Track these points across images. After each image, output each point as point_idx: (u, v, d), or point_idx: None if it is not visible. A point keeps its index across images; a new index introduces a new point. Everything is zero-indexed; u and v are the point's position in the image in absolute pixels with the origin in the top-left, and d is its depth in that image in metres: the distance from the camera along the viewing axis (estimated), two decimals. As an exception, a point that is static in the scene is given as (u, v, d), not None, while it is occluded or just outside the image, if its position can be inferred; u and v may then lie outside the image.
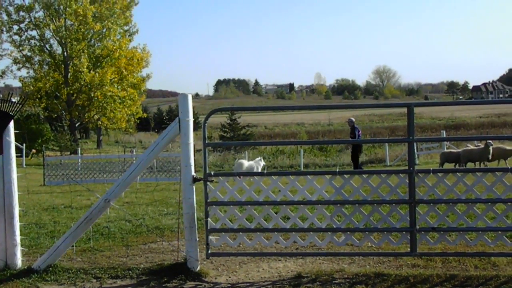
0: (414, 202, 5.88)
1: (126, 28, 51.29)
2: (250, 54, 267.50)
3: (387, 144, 30.74)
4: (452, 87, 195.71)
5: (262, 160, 20.49)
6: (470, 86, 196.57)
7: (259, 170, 19.58)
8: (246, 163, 20.11)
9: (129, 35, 51.89)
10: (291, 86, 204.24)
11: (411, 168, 5.87)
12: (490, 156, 21.36)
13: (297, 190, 6.23)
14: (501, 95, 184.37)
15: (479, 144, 23.17)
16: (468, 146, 23.87)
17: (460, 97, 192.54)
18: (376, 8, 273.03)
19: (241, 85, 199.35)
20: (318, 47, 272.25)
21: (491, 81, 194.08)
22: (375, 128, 75.39)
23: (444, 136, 32.15)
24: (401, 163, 29.96)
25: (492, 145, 21.45)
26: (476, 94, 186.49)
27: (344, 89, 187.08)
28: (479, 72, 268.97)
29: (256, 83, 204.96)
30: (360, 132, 21.04)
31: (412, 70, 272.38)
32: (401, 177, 6.03)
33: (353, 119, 21.22)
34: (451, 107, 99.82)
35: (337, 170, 6.25)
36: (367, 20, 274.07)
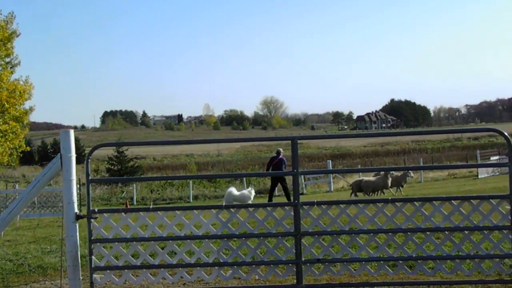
0: (299, 234, 6.08)
1: (7, 60, 48.80)
2: (137, 85, 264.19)
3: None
4: (337, 117, 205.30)
5: (253, 189, 20.09)
6: (355, 116, 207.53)
7: (251, 199, 19.24)
8: (235, 192, 19.65)
9: (10, 67, 49.44)
10: (179, 117, 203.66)
11: (296, 201, 6.09)
12: (389, 184, 23.59)
13: (183, 225, 6.24)
14: (383, 125, 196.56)
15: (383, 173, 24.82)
16: (360, 177, 25.77)
17: (345, 126, 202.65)
18: (263, 41, 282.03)
19: (128, 116, 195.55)
20: (207, 78, 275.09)
21: (374, 111, 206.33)
22: (264, 159, 76.96)
23: (330, 166, 33.54)
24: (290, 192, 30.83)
25: (393, 174, 23.71)
26: (360, 124, 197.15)
27: (233, 119, 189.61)
28: (363, 102, 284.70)
29: (144, 114, 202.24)
30: (286, 163, 20.44)
31: (299, 100, 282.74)
32: (286, 209, 6.23)
33: (281, 150, 20.79)
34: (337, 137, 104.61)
35: (224, 204, 6.34)
36: (255, 52, 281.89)
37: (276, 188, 23.22)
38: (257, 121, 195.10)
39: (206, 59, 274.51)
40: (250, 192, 19.77)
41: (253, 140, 7.14)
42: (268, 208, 6.22)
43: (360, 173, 28.98)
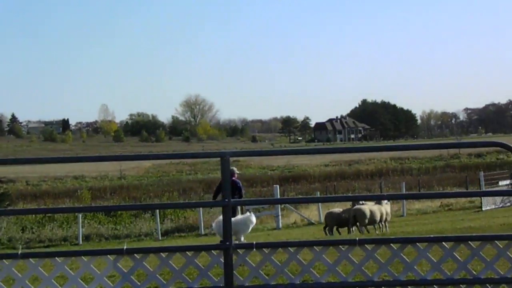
0: (231, 289, 6.08)
1: None
2: (3, 82, 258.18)
3: (201, 207, 31.46)
4: (288, 124, 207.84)
5: (253, 215, 19.99)
6: (312, 124, 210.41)
7: (250, 228, 19.46)
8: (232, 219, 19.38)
9: None
10: (65, 123, 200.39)
11: (227, 243, 6.09)
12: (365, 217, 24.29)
13: (67, 278, 6.12)
14: (352, 135, 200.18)
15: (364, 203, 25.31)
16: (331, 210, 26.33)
17: (299, 138, 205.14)
18: (187, 14, 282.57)
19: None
20: (104, 68, 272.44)
21: (339, 117, 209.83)
22: (186, 182, 76.78)
23: (278, 194, 33.75)
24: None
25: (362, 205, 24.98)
26: (320, 134, 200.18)
27: (142, 127, 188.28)
28: (324, 104, 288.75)
29: (13, 119, 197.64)
30: (241, 187, 21.82)
31: (235, 101, 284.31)
32: (214, 255, 6.22)
33: (235, 169, 21.95)
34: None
35: (125, 247, 6.26)
36: (175, 38, 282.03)
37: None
38: (176, 129, 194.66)
39: (105, 44, 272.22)
40: (248, 219, 19.81)
41: (170, 157, 7.11)
42: (188, 252, 6.20)
43: (320, 204, 29.31)
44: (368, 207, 25.27)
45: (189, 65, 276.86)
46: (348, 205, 26.82)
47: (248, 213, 21.07)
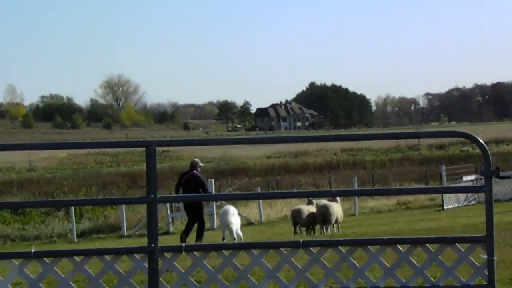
0: (156, 299, 6.07)
1: None
2: None
3: (123, 204, 31.17)
4: (225, 110, 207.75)
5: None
6: (253, 109, 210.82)
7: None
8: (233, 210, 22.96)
9: None
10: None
11: (152, 245, 6.07)
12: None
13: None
14: (298, 123, 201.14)
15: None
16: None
17: (238, 125, 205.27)
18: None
19: None
20: (8, 47, 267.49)
21: (284, 102, 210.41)
22: (107, 175, 76.10)
23: (213, 189, 33.70)
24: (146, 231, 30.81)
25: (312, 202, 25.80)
26: (262, 121, 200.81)
27: (55, 111, 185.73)
28: (267, 88, 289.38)
29: None
30: (204, 181, 22.60)
31: (164, 83, 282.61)
32: (137, 259, 6.19)
33: (198, 161, 22.77)
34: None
35: (32, 250, 6.19)
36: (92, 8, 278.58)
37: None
38: (96, 114, 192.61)
39: (10, 14, 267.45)
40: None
41: (88, 145, 7.04)
42: (106, 256, 6.16)
43: (261, 201, 29.42)
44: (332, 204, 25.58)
45: (111, 40, 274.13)
46: (292, 202, 26.97)
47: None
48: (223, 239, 22.60)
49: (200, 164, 22.83)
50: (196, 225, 22.62)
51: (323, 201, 25.60)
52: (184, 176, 22.35)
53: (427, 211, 35.38)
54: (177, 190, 22.51)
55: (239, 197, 26.48)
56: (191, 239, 22.34)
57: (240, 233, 23.03)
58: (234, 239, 22.18)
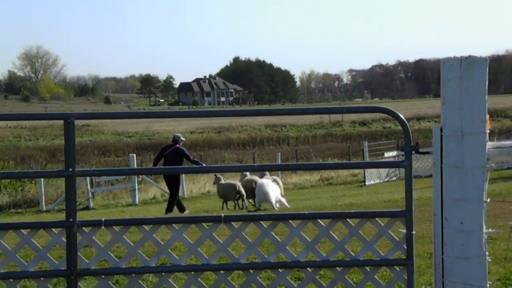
0: (75, 274, 6.01)
1: None
2: None
3: (42, 178, 30.69)
4: (147, 84, 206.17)
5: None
6: (176, 84, 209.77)
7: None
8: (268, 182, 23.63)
9: None
10: None
11: (71, 219, 6.00)
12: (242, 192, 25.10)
13: None
14: (222, 98, 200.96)
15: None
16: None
17: (161, 100, 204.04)
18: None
19: None
20: None
21: (207, 76, 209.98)
22: (25, 149, 74.89)
23: (135, 164, 33.48)
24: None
25: (246, 176, 25.78)
26: (185, 96, 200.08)
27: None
28: (190, 63, 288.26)
29: None
30: (187, 155, 23.14)
31: (85, 55, 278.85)
32: (55, 233, 6.13)
33: (181, 136, 23.40)
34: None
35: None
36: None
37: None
38: (14, 86, 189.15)
39: None
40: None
41: (4, 118, 6.93)
42: (23, 230, 6.07)
43: (183, 176, 29.43)
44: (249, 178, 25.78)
45: (29, 10, 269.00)
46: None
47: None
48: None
49: (182, 138, 23.38)
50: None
51: (253, 177, 25.80)
52: (165, 150, 22.89)
53: (349, 187, 35.86)
54: (156, 163, 23.19)
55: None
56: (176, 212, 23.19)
57: (283, 199, 23.61)
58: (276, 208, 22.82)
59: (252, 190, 24.87)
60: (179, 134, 23.86)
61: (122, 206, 30.88)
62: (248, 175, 25.94)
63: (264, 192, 23.17)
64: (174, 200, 23.25)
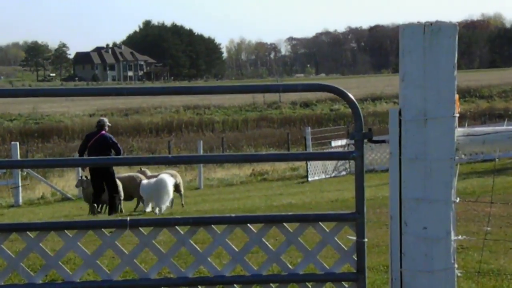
0: None
1: None
2: None
3: None
4: (34, 54, 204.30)
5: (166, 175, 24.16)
6: (71, 54, 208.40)
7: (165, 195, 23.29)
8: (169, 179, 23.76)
9: None
10: None
11: None
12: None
13: None
14: (130, 73, 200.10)
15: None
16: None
17: (51, 74, 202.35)
18: None
19: None
20: None
21: (110, 45, 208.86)
22: None
23: (18, 154, 33.21)
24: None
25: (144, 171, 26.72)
26: (83, 69, 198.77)
27: None
28: (88, 28, 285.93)
29: None
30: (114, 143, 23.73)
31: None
32: None
33: (106, 121, 24.16)
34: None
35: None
36: None
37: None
38: None
39: None
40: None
41: None
42: None
43: (79, 169, 29.36)
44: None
45: None
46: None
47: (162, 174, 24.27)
48: (144, 211, 23.79)
49: (108, 123, 24.08)
50: (106, 193, 23.99)
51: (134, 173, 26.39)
52: (90, 139, 23.53)
53: (288, 183, 36.05)
54: (81, 154, 23.56)
55: (53, 164, 26.12)
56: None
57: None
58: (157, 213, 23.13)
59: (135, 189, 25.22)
60: (104, 119, 24.49)
61: (2, 208, 30.68)
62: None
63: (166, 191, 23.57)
64: (116, 198, 24.06)
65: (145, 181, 24.21)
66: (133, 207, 26.13)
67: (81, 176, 27.10)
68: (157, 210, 23.25)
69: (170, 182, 23.68)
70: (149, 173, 26.53)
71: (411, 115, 5.69)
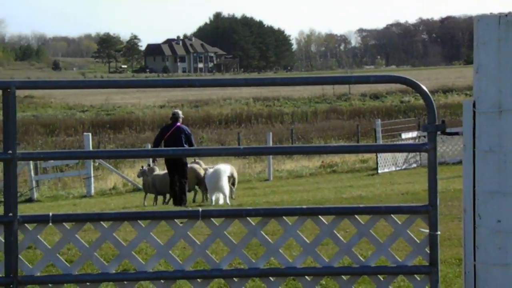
0: (15, 283, 5.98)
1: None
2: None
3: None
4: (106, 46, 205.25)
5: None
6: (143, 46, 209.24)
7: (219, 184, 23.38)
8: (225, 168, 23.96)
9: None
10: None
11: (10, 214, 5.95)
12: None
13: None
14: (200, 65, 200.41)
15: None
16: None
17: (123, 66, 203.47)
18: None
19: None
20: None
21: (181, 37, 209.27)
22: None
23: (90, 145, 33.46)
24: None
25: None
26: (154, 61, 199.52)
27: None
28: (159, 20, 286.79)
29: None
30: (190, 134, 24.06)
31: (28, 11, 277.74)
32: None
33: (179, 112, 24.25)
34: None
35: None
36: None
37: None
38: None
39: None
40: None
41: None
42: None
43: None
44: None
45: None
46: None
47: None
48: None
49: (181, 115, 24.31)
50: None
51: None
52: (166, 131, 23.83)
53: (357, 175, 35.83)
54: (156, 146, 23.81)
55: (124, 155, 26.28)
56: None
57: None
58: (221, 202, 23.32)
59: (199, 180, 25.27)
60: (178, 111, 24.63)
61: (74, 198, 30.81)
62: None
63: (217, 184, 23.64)
64: (185, 189, 24.13)
65: (210, 170, 24.27)
66: (191, 199, 26.26)
67: (142, 166, 27.28)
68: (221, 198, 23.39)
69: (227, 170, 23.97)
70: (203, 165, 26.54)
71: (485, 107, 5.60)
